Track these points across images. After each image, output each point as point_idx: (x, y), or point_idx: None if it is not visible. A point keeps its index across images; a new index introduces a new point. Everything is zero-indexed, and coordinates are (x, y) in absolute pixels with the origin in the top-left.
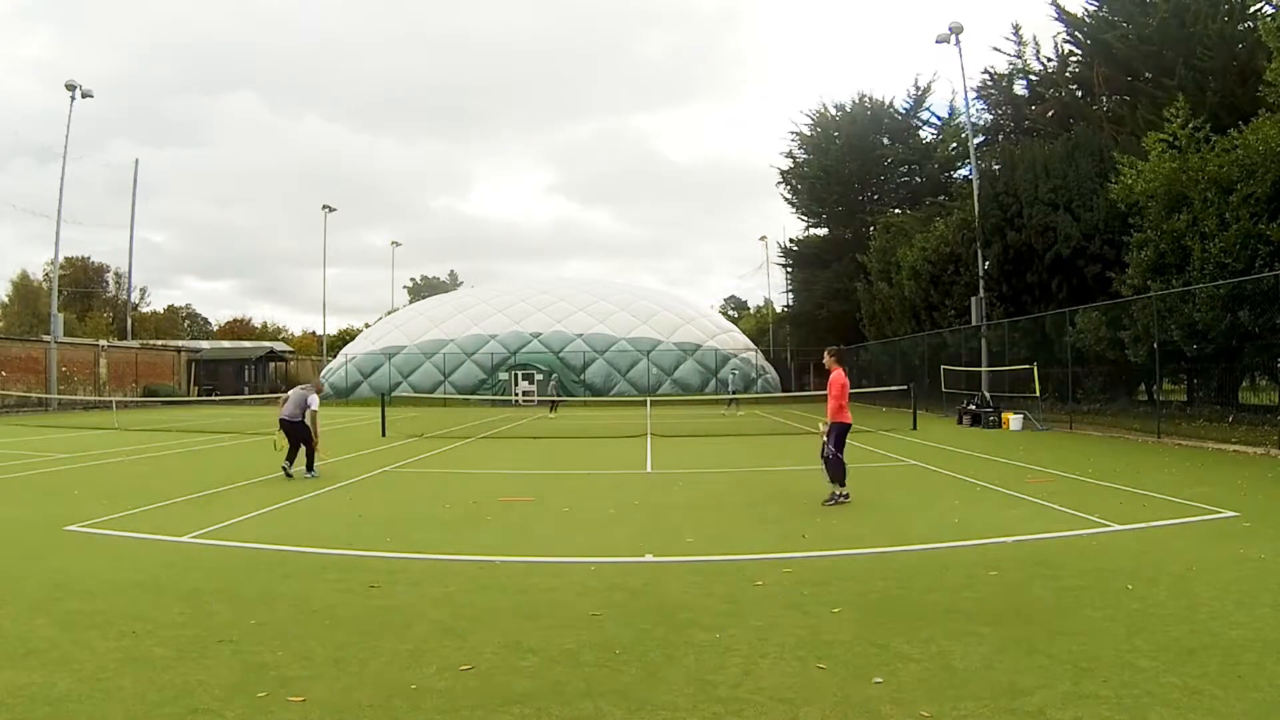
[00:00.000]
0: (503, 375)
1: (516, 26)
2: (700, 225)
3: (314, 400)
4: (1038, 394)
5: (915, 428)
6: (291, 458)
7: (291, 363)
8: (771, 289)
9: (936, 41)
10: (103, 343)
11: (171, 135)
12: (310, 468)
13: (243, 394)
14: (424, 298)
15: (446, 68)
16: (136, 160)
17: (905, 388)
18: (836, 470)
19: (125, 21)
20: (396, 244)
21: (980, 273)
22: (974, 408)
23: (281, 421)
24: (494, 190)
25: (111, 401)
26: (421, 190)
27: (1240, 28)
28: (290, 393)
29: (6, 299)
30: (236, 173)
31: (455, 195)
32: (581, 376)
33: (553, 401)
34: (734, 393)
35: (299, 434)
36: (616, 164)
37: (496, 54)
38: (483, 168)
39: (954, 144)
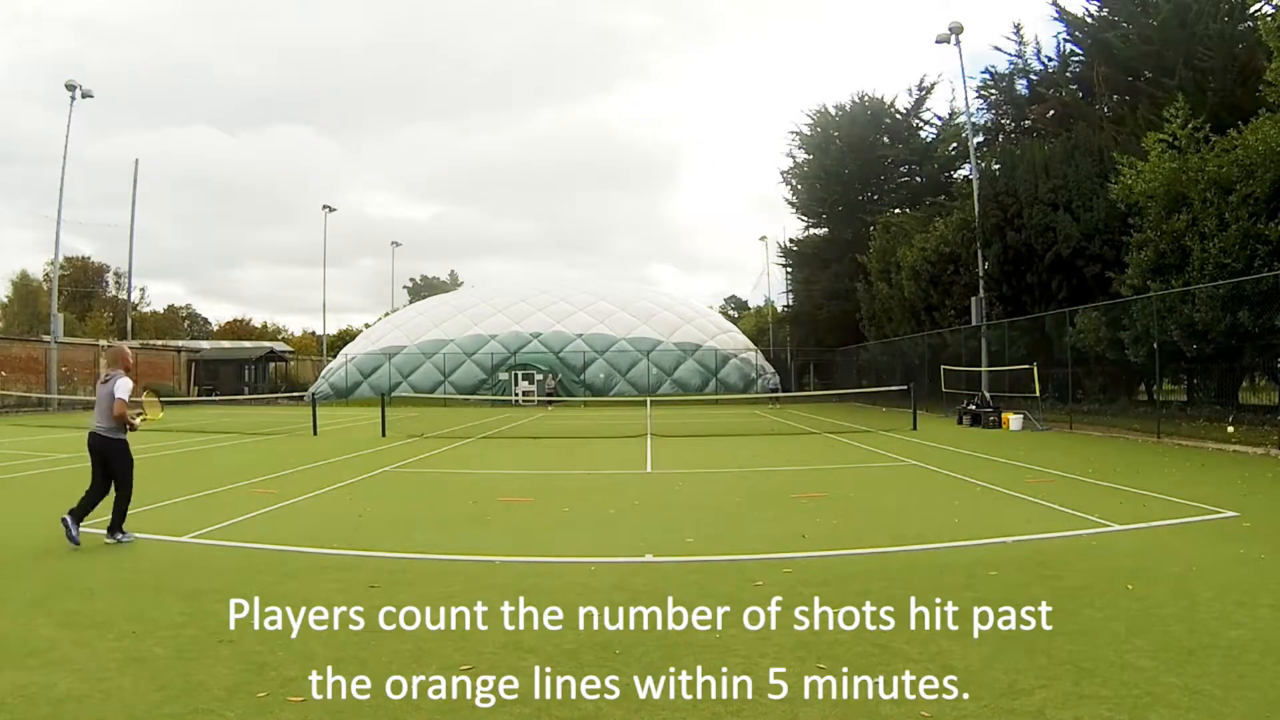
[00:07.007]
0: (503, 375)
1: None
2: (703, 225)
3: (122, 385)
4: (1038, 394)
5: (915, 428)
6: (86, 505)
7: (291, 363)
8: (771, 289)
9: (936, 41)
10: (103, 343)
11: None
12: (116, 528)
13: (243, 394)
14: (424, 298)
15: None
16: (136, 160)
17: (905, 388)
18: None
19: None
20: (396, 244)
21: (980, 273)
22: (974, 408)
23: (91, 438)
24: None
25: None
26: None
27: (1240, 28)
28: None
29: (6, 299)
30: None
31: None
32: (581, 376)
33: (547, 400)
34: (774, 390)
35: (110, 460)
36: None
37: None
38: None
39: (954, 144)
